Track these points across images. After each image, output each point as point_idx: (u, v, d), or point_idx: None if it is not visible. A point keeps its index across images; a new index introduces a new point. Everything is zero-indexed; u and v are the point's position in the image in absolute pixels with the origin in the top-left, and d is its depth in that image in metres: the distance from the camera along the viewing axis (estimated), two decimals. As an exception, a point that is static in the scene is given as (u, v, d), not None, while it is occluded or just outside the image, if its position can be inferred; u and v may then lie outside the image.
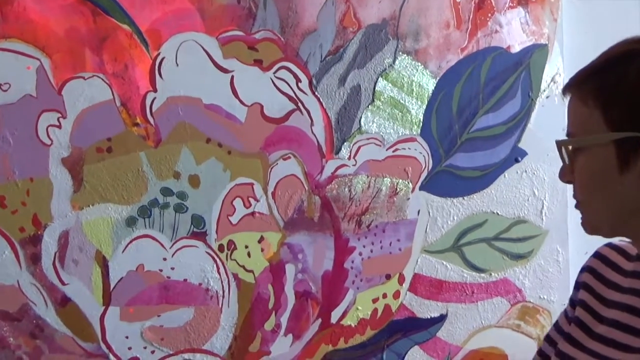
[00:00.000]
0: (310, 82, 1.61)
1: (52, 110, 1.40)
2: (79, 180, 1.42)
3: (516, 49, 1.82)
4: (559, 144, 0.95)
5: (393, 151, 1.72)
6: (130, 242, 1.47)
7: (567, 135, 0.95)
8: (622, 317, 0.96)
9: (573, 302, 1.10)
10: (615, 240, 1.07)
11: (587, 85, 0.91)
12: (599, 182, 0.91)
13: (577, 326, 1.06)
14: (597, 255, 1.09)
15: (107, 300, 1.46)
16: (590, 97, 0.90)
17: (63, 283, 1.42)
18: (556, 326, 1.16)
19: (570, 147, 0.94)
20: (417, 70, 1.72)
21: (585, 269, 1.09)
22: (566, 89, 0.95)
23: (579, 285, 1.09)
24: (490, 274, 1.83)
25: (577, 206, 0.96)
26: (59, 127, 1.40)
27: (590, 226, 0.96)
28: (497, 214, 1.82)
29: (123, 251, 1.47)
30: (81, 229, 1.42)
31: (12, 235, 1.38)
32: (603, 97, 0.88)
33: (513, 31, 1.81)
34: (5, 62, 1.36)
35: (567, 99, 0.97)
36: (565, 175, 0.96)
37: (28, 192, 1.38)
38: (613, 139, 0.87)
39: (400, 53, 1.69)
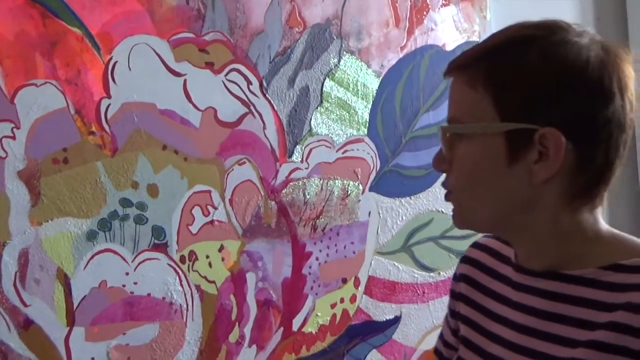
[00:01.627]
0: (261, 84, 1.73)
1: (5, 121, 1.44)
2: (36, 194, 1.46)
3: (451, 46, 2.00)
4: (444, 130, 0.90)
5: (343, 153, 1.86)
6: (92, 257, 1.53)
7: (448, 120, 0.91)
8: (522, 339, 0.92)
9: (453, 313, 1.09)
10: (479, 237, 1.09)
11: (476, 69, 0.86)
12: (482, 173, 0.87)
13: (466, 347, 1.03)
14: (468, 260, 1.07)
15: (70, 320, 1.51)
16: (480, 81, 0.86)
17: (25, 304, 1.46)
18: (442, 339, 1.15)
19: (448, 134, 0.89)
20: (361, 70, 1.86)
21: (459, 277, 1.07)
22: (451, 71, 0.91)
23: (456, 295, 1.08)
24: (439, 273, 2.00)
25: (447, 197, 0.93)
26: (13, 138, 1.44)
27: (462, 219, 0.92)
28: (442, 212, 1.99)
29: (85, 267, 1.52)
30: (41, 246, 1.47)
31: (-30, 256, 1.40)
32: (496, 83, 0.85)
33: (447, 29, 1.99)
34: (-46, 70, 1.38)
35: (449, 81, 0.92)
36: (441, 163, 0.92)
37: None
38: (505, 130, 0.84)
39: (345, 53, 1.84)
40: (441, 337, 1.16)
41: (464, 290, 1.07)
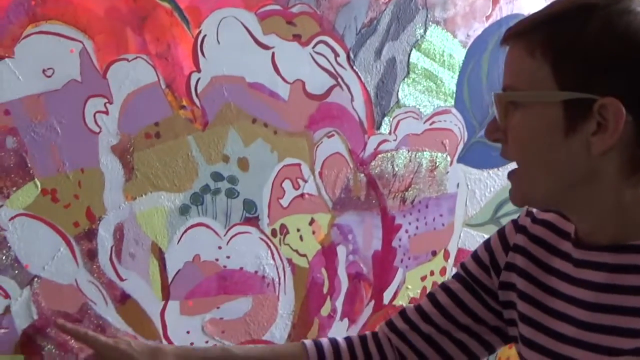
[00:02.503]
0: (348, 56, 1.60)
1: (98, 96, 1.34)
2: (130, 169, 1.36)
3: (536, 15, 1.83)
4: (498, 97, 0.84)
5: (430, 124, 1.73)
6: (185, 231, 1.43)
7: (504, 88, 0.85)
8: (587, 316, 0.86)
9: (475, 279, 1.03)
10: (535, 210, 0.99)
11: (535, 35, 0.81)
12: (538, 144, 0.82)
13: (523, 322, 0.96)
14: (523, 230, 0.98)
15: (166, 294, 1.41)
16: (538, 48, 0.80)
17: (121, 279, 1.36)
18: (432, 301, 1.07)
19: (505, 102, 0.84)
20: (447, 40, 1.73)
21: (513, 247, 0.99)
22: (509, 38, 0.85)
23: (508, 266, 0.99)
24: (528, 245, 1.84)
25: (509, 174, 0.87)
26: (106, 113, 1.35)
27: (521, 195, 0.87)
28: (530, 183, 1.83)
29: (178, 242, 1.42)
30: (135, 220, 1.37)
31: (66, 231, 1.31)
32: (555, 51, 0.79)
33: (532, -3, 1.83)
34: (47, 46, 1.29)
35: (506, 49, 0.86)
36: (495, 132, 0.86)
37: (80, 184, 1.32)
38: (563, 99, 0.79)
39: (430, 23, 1.70)
40: (406, 312, 1.10)
41: (521, 263, 0.98)
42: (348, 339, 1.14)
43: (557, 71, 0.79)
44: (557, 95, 0.79)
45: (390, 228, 1.64)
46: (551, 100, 0.80)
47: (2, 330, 1.26)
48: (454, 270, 1.70)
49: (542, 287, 0.96)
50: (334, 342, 1.12)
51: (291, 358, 1.15)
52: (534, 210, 1.00)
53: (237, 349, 1.24)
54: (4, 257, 1.25)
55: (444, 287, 1.09)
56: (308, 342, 1.14)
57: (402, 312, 1.11)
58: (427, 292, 1.12)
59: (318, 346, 1.11)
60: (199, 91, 1.43)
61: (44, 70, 1.28)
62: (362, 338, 1.13)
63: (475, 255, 1.06)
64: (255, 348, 1.28)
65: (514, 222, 1.02)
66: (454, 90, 1.72)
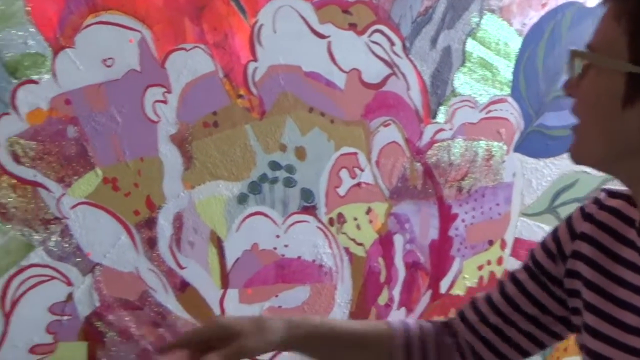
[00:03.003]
0: (404, 45, 1.53)
1: (157, 85, 1.29)
2: (189, 158, 1.31)
3: (592, 2, 1.74)
4: (574, 54, 0.81)
5: (486, 113, 1.64)
6: (243, 220, 1.37)
7: (588, 46, 0.81)
8: None
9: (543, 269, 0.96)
10: (602, 197, 0.93)
11: (628, 3, 0.77)
12: (599, 108, 0.80)
13: (588, 311, 0.91)
14: (590, 218, 0.92)
15: (225, 282, 1.35)
16: (625, 15, 0.76)
17: (181, 267, 1.31)
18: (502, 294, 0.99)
19: (581, 59, 0.81)
20: (502, 29, 1.64)
21: (580, 235, 0.93)
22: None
23: (574, 254, 0.93)
24: (585, 234, 1.74)
25: (573, 129, 0.85)
26: (165, 102, 1.29)
27: (578, 152, 0.83)
28: (587, 172, 1.74)
29: (237, 230, 1.36)
30: (194, 209, 1.32)
31: (127, 220, 1.26)
32: (637, 22, 0.76)
33: (588, -16, 1.74)
34: (107, 36, 1.24)
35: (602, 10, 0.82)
36: (571, 87, 0.83)
37: (139, 173, 1.27)
38: (629, 71, 0.75)
39: (486, 11, 1.61)
40: (477, 302, 1.02)
41: (587, 251, 0.91)
42: (427, 325, 1.06)
43: (632, 43, 0.74)
44: (624, 66, 0.74)
45: (446, 217, 1.56)
46: (619, 69, 0.75)
47: (66, 317, 1.21)
48: (511, 260, 1.63)
49: (608, 276, 0.90)
50: (417, 327, 1.05)
51: (377, 337, 1.06)
52: (601, 196, 0.94)
53: (332, 320, 1.22)
54: (66, 245, 1.21)
55: (512, 276, 1.01)
56: (395, 322, 1.07)
57: (473, 302, 1.03)
58: (497, 280, 1.04)
59: (405, 329, 1.04)
60: (256, 80, 1.37)
61: (104, 60, 1.23)
62: (438, 326, 1.06)
63: (543, 244, 0.99)
64: (345, 321, 1.23)
65: (581, 209, 0.95)
66: (510, 79, 1.63)
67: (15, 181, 1.19)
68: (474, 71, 1.60)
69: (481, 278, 1.64)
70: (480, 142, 1.62)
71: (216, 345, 0.93)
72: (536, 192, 1.69)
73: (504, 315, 1.00)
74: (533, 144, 1.67)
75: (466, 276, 1.61)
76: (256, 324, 0.98)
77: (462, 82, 1.59)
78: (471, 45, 1.60)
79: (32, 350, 1.20)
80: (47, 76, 1.20)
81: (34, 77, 1.19)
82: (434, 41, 1.56)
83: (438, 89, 1.57)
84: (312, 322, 1.05)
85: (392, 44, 1.52)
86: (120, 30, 1.26)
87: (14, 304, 1.19)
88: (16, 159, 1.19)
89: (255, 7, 1.37)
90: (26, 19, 1.18)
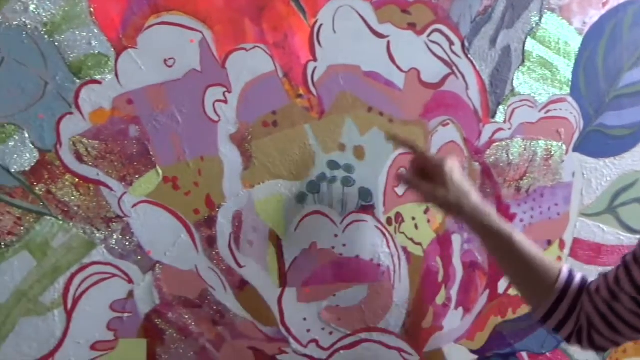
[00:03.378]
0: (463, 45, 1.43)
1: (217, 85, 1.22)
2: (248, 157, 1.24)
3: (655, 1, 1.61)
4: None
5: (545, 112, 1.53)
6: (302, 219, 1.29)
7: None
8: None
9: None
10: None
11: None
12: None
13: None
14: None
15: (283, 281, 1.27)
16: None
17: (240, 265, 1.24)
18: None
19: None
20: (562, 28, 1.52)
21: None
22: None
23: None
24: (645, 235, 1.62)
25: None
26: (225, 102, 1.22)
27: None
28: (648, 172, 1.61)
29: (295, 229, 1.28)
30: (253, 208, 1.24)
31: (187, 218, 1.20)
32: None
33: (651, -18, 1.61)
34: (169, 36, 1.18)
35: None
36: None
37: (200, 172, 1.20)
38: None
39: (546, 10, 1.50)
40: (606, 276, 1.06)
41: None
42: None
43: None
44: None
45: (505, 217, 1.46)
46: None
47: (126, 315, 1.15)
48: (570, 260, 1.52)
49: None
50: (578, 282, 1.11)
51: (546, 268, 1.13)
52: None
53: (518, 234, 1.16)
54: (127, 243, 1.14)
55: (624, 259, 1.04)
56: (565, 267, 1.13)
57: (601, 276, 1.09)
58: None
59: (569, 280, 1.11)
60: (315, 80, 1.29)
61: (165, 60, 1.17)
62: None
63: None
64: (526, 244, 1.16)
65: None
66: (570, 79, 1.51)
67: (78, 180, 1.13)
68: (533, 70, 1.50)
69: (539, 279, 1.53)
70: (539, 141, 1.51)
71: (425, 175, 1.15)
72: (595, 192, 1.58)
73: (613, 293, 1.03)
74: (593, 143, 1.56)
75: (524, 277, 1.50)
76: (460, 190, 1.13)
77: (522, 81, 1.49)
78: (531, 44, 1.50)
79: (94, 346, 1.15)
80: (109, 76, 1.14)
81: (97, 77, 1.14)
82: (493, 41, 1.46)
83: (497, 88, 1.46)
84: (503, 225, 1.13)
85: (451, 43, 1.42)
86: (182, 30, 1.19)
87: (76, 301, 1.13)
88: (79, 158, 1.13)
89: (315, 7, 1.29)
90: (90, 20, 1.12)
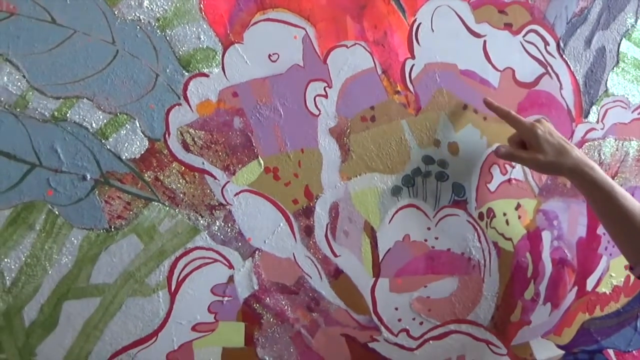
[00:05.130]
0: (558, 45, 1.10)
1: (318, 80, 0.96)
2: (346, 150, 0.97)
3: None
4: None
5: (638, 114, 1.17)
6: (396, 212, 1.01)
7: None
8: None
9: None
10: None
11: None
12: None
13: None
14: None
15: (376, 272, 1.00)
16: None
17: (335, 255, 0.97)
18: None
19: None
20: (658, 30, 1.16)
21: None
22: None
23: None
24: None
25: None
26: (326, 96, 0.96)
27: None
28: None
29: (390, 221, 0.99)
30: (350, 200, 0.97)
31: (286, 208, 0.95)
32: None
33: None
34: (273, 32, 0.93)
35: None
36: None
37: (299, 163, 0.94)
38: None
39: (642, 13, 1.15)
40: None
41: None
42: None
43: None
44: None
45: (593, 216, 1.11)
46: None
47: (226, 298, 0.91)
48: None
49: None
50: None
51: None
52: None
53: (619, 189, 0.98)
54: (229, 230, 0.90)
55: None
56: None
57: None
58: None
59: None
60: (412, 77, 1.01)
61: (269, 55, 0.92)
62: None
63: None
64: (628, 199, 0.97)
65: None
66: (664, 80, 1.16)
67: (184, 168, 0.90)
68: (627, 72, 1.16)
69: (628, 277, 1.19)
70: (632, 142, 1.18)
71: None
72: (686, 193, 1.21)
73: None
74: (684, 145, 1.20)
75: (613, 274, 1.17)
76: (557, 147, 0.98)
77: (615, 82, 1.15)
78: (625, 45, 1.17)
79: (195, 328, 0.92)
80: (216, 70, 0.91)
81: (205, 71, 0.91)
82: (588, 41, 1.13)
83: (591, 88, 1.14)
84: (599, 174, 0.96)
85: (547, 43, 1.11)
86: (286, 27, 0.94)
87: (180, 283, 0.91)
88: (186, 147, 0.90)
89: (415, 6, 1.02)
90: (200, 16, 0.89)
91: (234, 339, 0.99)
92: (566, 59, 1.19)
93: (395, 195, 1.09)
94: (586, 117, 1.22)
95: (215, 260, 0.98)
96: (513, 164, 1.16)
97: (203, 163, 0.97)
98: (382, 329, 1.09)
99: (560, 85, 1.19)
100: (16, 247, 0.89)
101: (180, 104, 0.96)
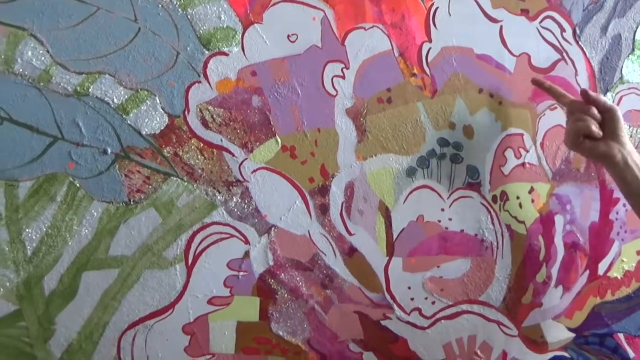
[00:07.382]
0: (574, 32, 1.00)
1: (336, 61, 0.87)
2: (362, 131, 0.88)
3: None
4: None
5: (653, 101, 1.06)
6: (411, 192, 0.92)
7: None
8: None
9: None
10: None
11: None
12: None
13: None
14: None
15: (390, 251, 0.91)
16: None
17: (350, 233, 0.88)
18: None
19: None
20: (674, 19, 1.05)
21: None
22: None
23: None
24: None
25: None
26: (343, 77, 0.87)
27: None
28: None
29: (404, 201, 0.90)
30: (365, 179, 0.88)
31: (302, 186, 0.86)
32: None
33: None
34: (292, 13, 0.85)
35: None
36: None
37: (316, 143, 0.85)
38: None
39: (658, 1, 1.03)
40: None
41: None
42: None
43: None
44: None
45: (608, 201, 1.02)
46: None
47: (242, 273, 0.84)
48: (670, 247, 1.05)
49: None
50: None
51: None
52: None
53: None
54: (245, 206, 0.82)
55: None
56: None
57: None
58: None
59: None
60: (429, 60, 0.92)
61: (288, 36, 0.84)
62: None
63: None
64: None
65: None
66: (679, 68, 1.05)
67: (203, 144, 0.82)
68: (642, 60, 1.04)
69: (639, 262, 1.07)
70: (646, 129, 1.06)
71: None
72: (699, 181, 1.08)
73: None
74: (698, 133, 1.09)
75: (624, 259, 1.07)
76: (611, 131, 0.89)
77: (631, 69, 1.05)
78: (641, 34, 1.04)
79: (210, 301, 0.84)
80: (236, 49, 0.83)
81: (225, 50, 0.83)
82: (604, 29, 1.02)
83: (606, 75, 1.03)
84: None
85: (563, 30, 1.00)
86: (305, 8, 0.86)
87: (196, 257, 0.83)
88: (205, 124, 0.82)
89: (432, -10, 0.91)
90: (220, -4, 0.80)
91: (248, 313, 0.91)
92: (582, 45, 1.09)
93: (410, 176, 0.99)
94: (601, 103, 1.11)
95: (232, 236, 0.90)
96: (527, 147, 1.06)
97: (221, 140, 0.89)
98: (395, 307, 1.00)
99: (576, 71, 1.09)
100: (37, 218, 0.82)
101: (200, 82, 0.88)
